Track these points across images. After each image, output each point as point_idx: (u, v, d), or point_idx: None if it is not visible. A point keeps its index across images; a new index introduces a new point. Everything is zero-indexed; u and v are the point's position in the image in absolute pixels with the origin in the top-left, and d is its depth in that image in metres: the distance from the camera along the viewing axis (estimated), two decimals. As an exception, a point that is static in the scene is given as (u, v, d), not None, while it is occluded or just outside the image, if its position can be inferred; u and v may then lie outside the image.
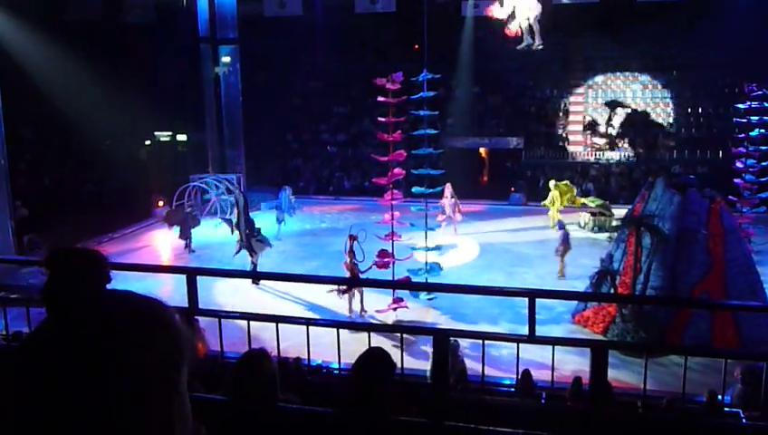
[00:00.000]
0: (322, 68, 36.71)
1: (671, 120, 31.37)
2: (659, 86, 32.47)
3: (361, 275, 15.05)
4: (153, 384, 1.07)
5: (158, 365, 1.09)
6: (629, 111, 32.20)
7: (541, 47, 15.24)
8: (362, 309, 15.26)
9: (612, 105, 32.57)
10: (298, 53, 36.07)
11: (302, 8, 32.32)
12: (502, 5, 15.30)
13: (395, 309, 14.81)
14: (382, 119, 15.82)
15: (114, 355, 1.05)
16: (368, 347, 3.56)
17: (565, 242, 17.78)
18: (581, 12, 31.27)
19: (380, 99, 15.50)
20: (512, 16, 15.05)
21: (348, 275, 15.05)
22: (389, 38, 34.59)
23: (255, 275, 16.53)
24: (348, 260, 15.18)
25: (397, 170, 15.52)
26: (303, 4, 32.29)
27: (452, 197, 22.10)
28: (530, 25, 15.01)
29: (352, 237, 15.22)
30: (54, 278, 1.47)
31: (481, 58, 34.61)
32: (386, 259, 15.12)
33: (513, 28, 15.17)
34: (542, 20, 15.08)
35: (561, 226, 18.91)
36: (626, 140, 31.15)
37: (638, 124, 31.51)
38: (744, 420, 7.01)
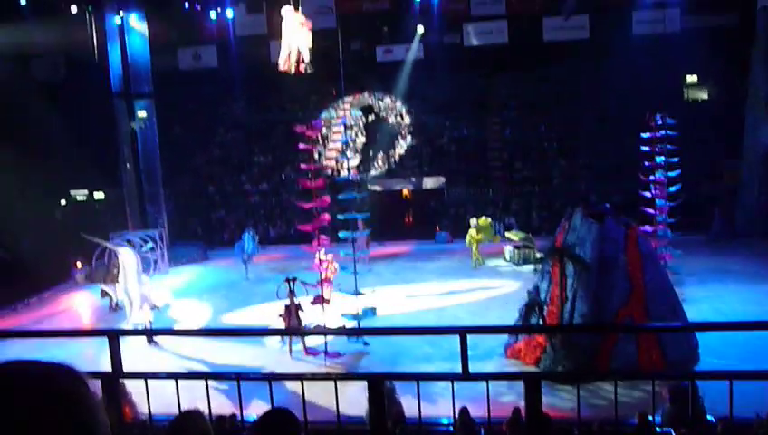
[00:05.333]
0: (241, 118, 36.56)
1: (585, 152, 32.48)
2: (570, 121, 33.62)
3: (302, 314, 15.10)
4: None
5: None
6: (545, 144, 33.22)
7: (311, 70, 15.51)
8: (305, 350, 15.10)
9: (526, 140, 33.56)
10: (216, 104, 35.87)
11: (217, 60, 32.36)
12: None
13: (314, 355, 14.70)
14: (304, 166, 15.85)
15: None
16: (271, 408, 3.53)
17: None
18: (492, 52, 32.36)
19: (301, 146, 15.53)
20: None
21: (287, 319, 14.92)
22: (307, 85, 34.79)
23: (184, 333, 16.05)
24: (289, 301, 15.01)
25: (322, 216, 15.51)
26: (219, 56, 32.34)
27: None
28: (300, 56, 15.23)
29: (288, 280, 15.13)
30: None
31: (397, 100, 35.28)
32: (320, 303, 15.05)
33: (281, 62, 15.32)
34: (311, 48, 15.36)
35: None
36: (542, 174, 32.06)
37: (550, 157, 32.53)
38: (674, 439, 7.19)
